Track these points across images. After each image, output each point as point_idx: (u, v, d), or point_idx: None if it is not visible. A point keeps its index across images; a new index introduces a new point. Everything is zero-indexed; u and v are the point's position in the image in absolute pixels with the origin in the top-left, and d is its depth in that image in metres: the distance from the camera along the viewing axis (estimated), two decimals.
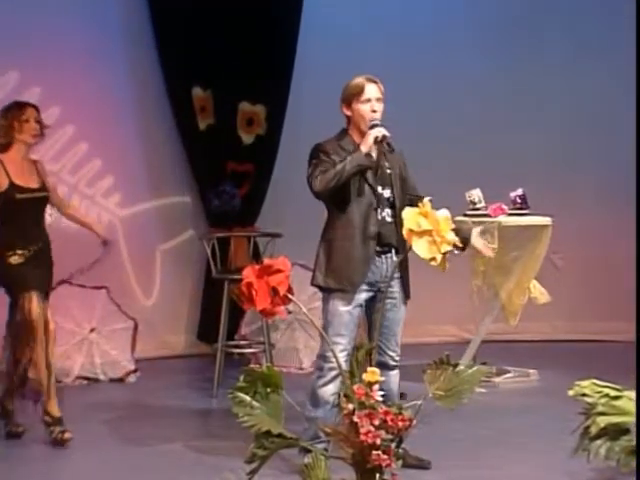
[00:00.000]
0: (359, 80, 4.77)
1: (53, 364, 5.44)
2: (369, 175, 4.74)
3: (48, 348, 5.40)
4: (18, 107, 5.51)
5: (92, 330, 7.15)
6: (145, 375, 7.20)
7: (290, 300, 3.61)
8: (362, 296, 4.75)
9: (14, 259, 5.38)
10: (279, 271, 3.59)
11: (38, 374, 5.40)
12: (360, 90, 4.74)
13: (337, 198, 4.74)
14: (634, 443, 4.24)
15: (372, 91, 4.74)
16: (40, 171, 5.58)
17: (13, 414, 5.55)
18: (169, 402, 6.50)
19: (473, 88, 8.19)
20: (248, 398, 3.63)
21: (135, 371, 7.20)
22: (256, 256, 7.37)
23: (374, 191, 4.75)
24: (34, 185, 5.47)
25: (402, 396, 5.70)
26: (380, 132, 4.65)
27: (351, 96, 4.76)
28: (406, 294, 4.88)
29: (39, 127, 5.51)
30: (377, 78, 4.79)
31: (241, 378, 3.68)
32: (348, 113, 4.79)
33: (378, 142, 4.70)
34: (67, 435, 5.35)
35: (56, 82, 7.19)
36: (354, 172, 4.64)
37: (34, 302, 5.30)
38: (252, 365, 3.81)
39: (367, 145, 4.64)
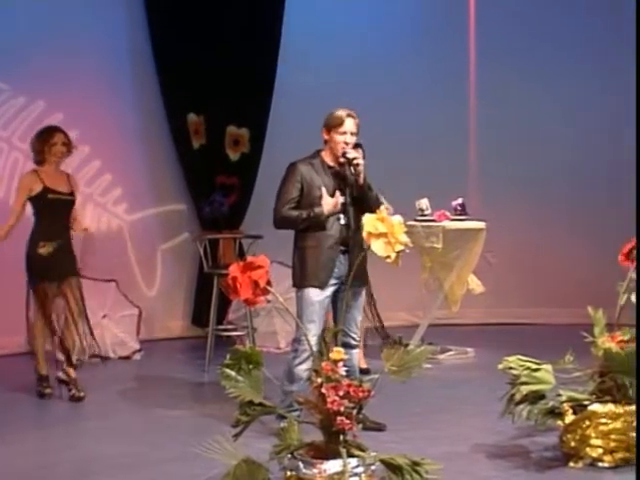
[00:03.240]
0: (341, 113, 4.74)
1: (75, 337, 5.54)
2: (338, 189, 4.74)
3: (69, 325, 5.52)
4: (48, 132, 5.65)
5: (104, 316, 7.12)
6: (148, 354, 7.17)
7: (269, 291, 3.62)
8: (330, 289, 4.75)
9: (43, 250, 5.45)
10: (260, 267, 3.59)
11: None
12: (340, 122, 4.72)
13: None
14: (549, 406, 4.29)
15: (350, 125, 4.73)
16: (71, 182, 5.69)
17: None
18: (168, 376, 6.48)
19: (429, 116, 8.18)
20: (234, 373, 3.64)
21: (140, 350, 7.16)
22: (241, 255, 7.34)
23: (343, 204, 4.73)
24: (64, 190, 5.59)
25: (366, 371, 5.73)
26: (341, 199, 4.67)
27: (332, 125, 4.74)
28: (363, 286, 4.88)
29: (66, 148, 5.62)
30: (355, 113, 4.77)
31: (228, 356, 3.69)
32: (326, 137, 4.78)
33: (346, 165, 4.72)
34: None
35: (75, 109, 7.17)
36: (311, 223, 4.70)
37: (49, 289, 5.47)
38: (237, 346, 3.80)
39: (328, 210, 4.66)
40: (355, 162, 4.68)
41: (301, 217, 4.70)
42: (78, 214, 5.82)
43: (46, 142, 5.57)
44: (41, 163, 5.62)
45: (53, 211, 5.52)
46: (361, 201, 4.75)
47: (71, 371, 5.58)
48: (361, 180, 4.71)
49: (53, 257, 5.48)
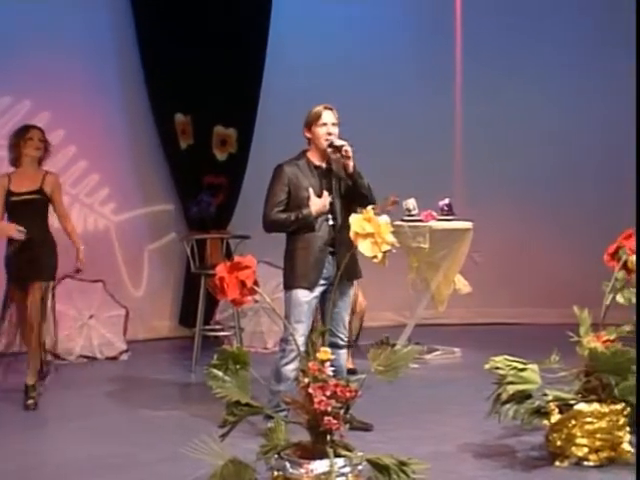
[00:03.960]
0: (318, 108, 4.78)
1: (34, 342, 5.44)
2: (325, 189, 4.75)
3: (27, 330, 5.45)
4: (25, 128, 5.63)
5: (91, 317, 7.10)
6: (135, 354, 7.15)
7: (256, 291, 3.62)
8: (319, 289, 4.75)
9: (8, 250, 5.48)
10: (247, 267, 3.60)
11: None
12: (318, 116, 4.75)
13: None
14: (535, 405, 4.31)
15: (328, 117, 4.75)
16: (47, 181, 5.54)
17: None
18: (155, 377, 6.47)
19: (416, 116, 8.21)
20: (221, 373, 3.64)
21: (127, 351, 7.15)
22: (228, 255, 7.34)
23: (331, 204, 4.75)
24: (28, 189, 5.49)
25: (353, 371, 5.73)
26: (327, 199, 4.70)
27: (311, 121, 4.77)
28: (352, 280, 4.90)
29: (43, 145, 5.58)
30: (333, 106, 4.80)
31: (215, 357, 3.69)
32: (309, 135, 4.80)
33: (334, 154, 4.73)
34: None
35: (62, 109, 7.15)
36: (300, 225, 4.70)
37: (15, 291, 5.47)
38: (224, 346, 3.80)
39: (316, 210, 4.67)
40: (344, 148, 4.69)
41: (289, 219, 4.70)
42: (67, 217, 5.69)
43: (22, 137, 5.53)
44: (15, 161, 5.55)
45: (16, 212, 5.49)
46: (353, 193, 4.75)
47: (28, 378, 5.48)
48: (351, 168, 4.72)
49: (14, 257, 5.45)
